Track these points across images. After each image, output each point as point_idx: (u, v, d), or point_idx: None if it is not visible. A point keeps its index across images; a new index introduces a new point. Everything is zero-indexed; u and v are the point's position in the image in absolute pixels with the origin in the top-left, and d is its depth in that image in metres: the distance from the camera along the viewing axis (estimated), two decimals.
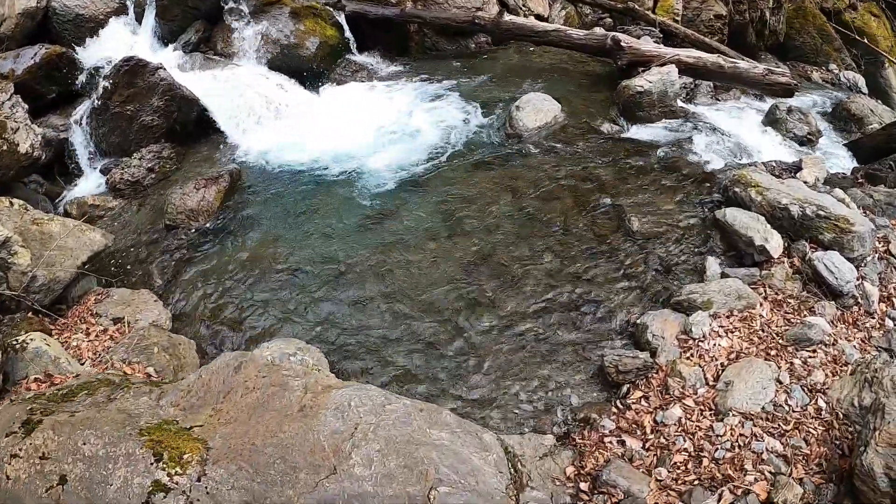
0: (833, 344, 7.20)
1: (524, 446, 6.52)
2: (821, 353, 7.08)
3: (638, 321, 7.45)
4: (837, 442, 6.18)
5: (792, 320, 7.41)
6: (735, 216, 8.06)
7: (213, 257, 8.78)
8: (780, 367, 6.90)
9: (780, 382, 6.76)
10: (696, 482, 6.08)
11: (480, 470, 5.79)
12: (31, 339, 6.84)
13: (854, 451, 5.83)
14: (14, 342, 6.81)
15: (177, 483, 4.70)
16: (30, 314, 7.80)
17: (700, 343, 7.16)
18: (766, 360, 6.98)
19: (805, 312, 7.50)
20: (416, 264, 8.25)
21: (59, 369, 6.76)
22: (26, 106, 10.37)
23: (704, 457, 6.27)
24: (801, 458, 6.14)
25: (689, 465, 6.21)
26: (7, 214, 8.19)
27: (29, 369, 6.63)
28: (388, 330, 7.65)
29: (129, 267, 9.04)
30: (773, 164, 9.55)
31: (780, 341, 7.16)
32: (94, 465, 4.69)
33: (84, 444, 4.80)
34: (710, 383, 6.84)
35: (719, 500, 5.92)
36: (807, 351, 7.09)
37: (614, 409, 6.85)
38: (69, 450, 4.78)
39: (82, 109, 11.38)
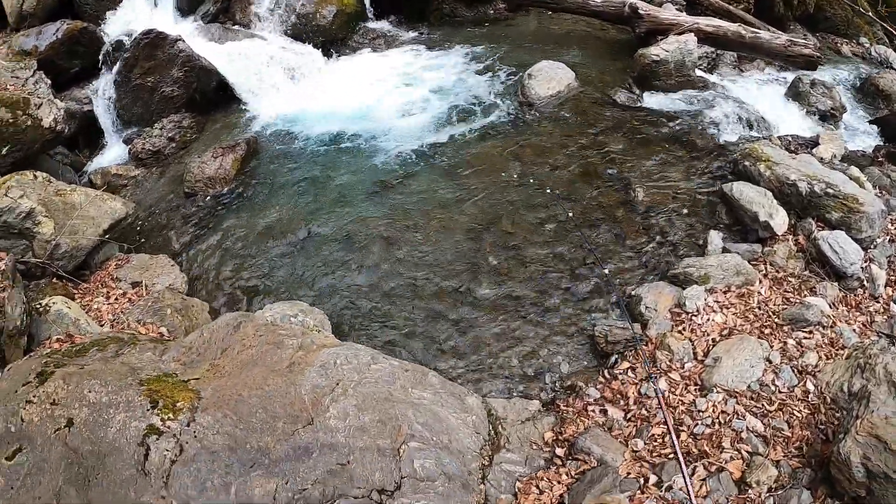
0: (831, 326, 6.78)
1: (508, 410, 6.31)
2: (817, 335, 6.68)
3: (633, 293, 7.11)
4: (822, 427, 5.82)
5: (791, 299, 6.99)
6: (742, 190, 7.62)
7: (228, 223, 8.67)
8: (772, 347, 6.51)
9: (770, 362, 6.38)
10: (671, 455, 5.75)
11: (456, 430, 5.65)
12: (54, 303, 7.07)
13: (835, 439, 5.47)
14: (38, 305, 7.05)
15: (169, 427, 4.92)
16: (54, 280, 7.99)
17: (693, 317, 6.79)
18: (759, 338, 6.60)
19: (805, 292, 7.07)
20: (422, 229, 8.01)
21: (80, 330, 6.94)
22: (49, 81, 10.40)
23: (683, 431, 5.93)
24: (781, 440, 5.80)
25: (667, 439, 5.88)
26: (31, 187, 8.31)
27: (52, 330, 6.86)
28: (391, 293, 7.48)
29: (149, 233, 9.01)
30: (790, 139, 9.02)
31: (776, 320, 6.76)
32: (98, 411, 4.95)
33: (90, 392, 5.06)
34: (699, 358, 6.50)
35: (692, 475, 5.59)
36: (802, 332, 6.68)
37: (601, 379, 6.56)
38: (76, 397, 5.05)
39: (104, 82, 11.20)
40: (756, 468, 5.52)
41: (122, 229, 8.84)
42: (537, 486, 5.69)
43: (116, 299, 7.82)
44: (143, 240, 8.87)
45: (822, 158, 8.63)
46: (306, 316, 6.97)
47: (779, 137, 9.02)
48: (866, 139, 10.54)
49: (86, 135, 10.99)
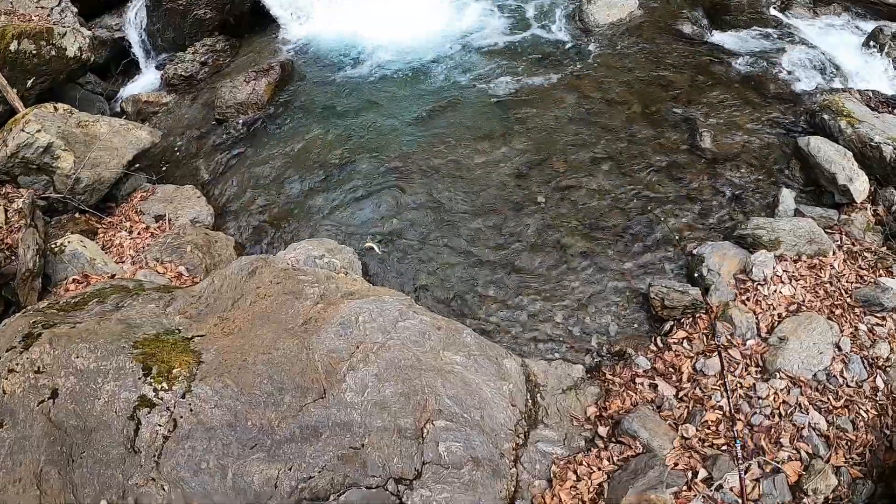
0: None
1: (549, 375, 5.37)
2: (890, 323, 5.59)
3: (695, 251, 5.98)
4: (888, 432, 4.81)
5: (865, 278, 5.86)
6: (819, 147, 6.38)
7: (260, 151, 7.68)
8: (842, 331, 5.45)
9: (840, 349, 5.32)
10: (724, 448, 4.79)
11: (490, 403, 4.71)
12: (69, 242, 6.30)
13: None
14: (53, 246, 6.26)
15: (161, 399, 4.11)
16: (77, 215, 7.23)
17: (759, 287, 5.70)
18: (828, 318, 5.52)
19: (881, 272, 5.93)
20: (465, 165, 6.92)
21: (95, 270, 6.16)
22: (76, 9, 9.29)
23: (740, 419, 4.93)
24: (844, 442, 4.86)
25: (721, 427, 4.93)
26: (51, 120, 7.38)
27: (67, 271, 6.12)
28: (429, 233, 6.49)
29: (178, 162, 8.09)
30: (870, 95, 7.65)
31: (848, 300, 5.66)
32: (85, 379, 4.14)
33: (77, 357, 4.23)
34: (762, 335, 5.46)
35: (745, 473, 4.63)
36: (875, 317, 5.60)
37: (653, 347, 5.54)
38: (63, 364, 4.23)
39: (136, 8, 10.05)
40: (815, 474, 4.62)
41: (151, 159, 8.00)
42: (575, 472, 4.79)
43: (139, 234, 7.00)
44: (172, 169, 7.98)
45: None
46: (333, 256, 6.00)
47: (858, 91, 7.62)
48: None
49: (118, 63, 9.97)
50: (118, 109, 9.26)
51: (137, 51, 9.95)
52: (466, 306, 5.91)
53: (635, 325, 5.76)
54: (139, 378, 4.14)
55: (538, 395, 5.19)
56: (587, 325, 5.79)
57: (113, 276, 5.90)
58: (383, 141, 7.29)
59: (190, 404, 4.07)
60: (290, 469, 3.96)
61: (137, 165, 7.66)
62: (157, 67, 9.74)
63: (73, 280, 5.97)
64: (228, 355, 4.37)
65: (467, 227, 6.33)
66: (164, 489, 3.79)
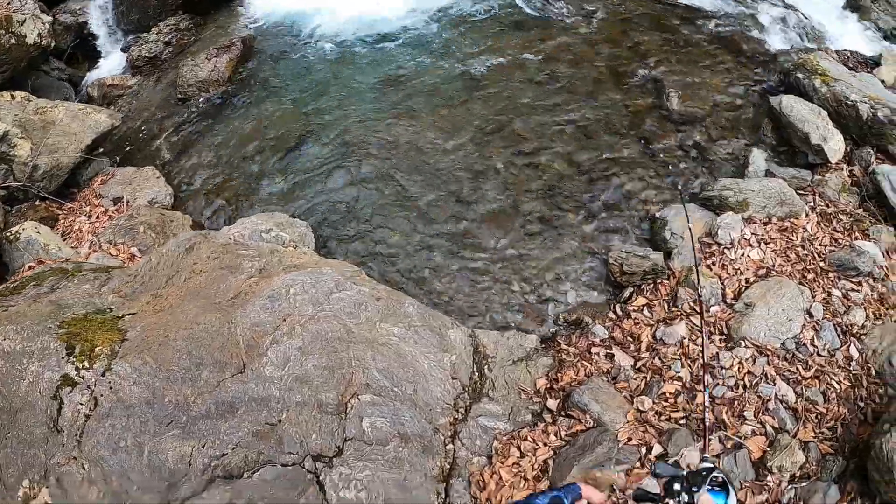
0: (883, 279, 5.15)
1: (499, 346, 4.90)
2: (866, 288, 5.08)
3: (658, 214, 5.45)
4: (861, 404, 4.33)
5: (840, 241, 5.35)
6: (792, 106, 5.85)
7: (221, 129, 7.23)
8: (814, 297, 4.94)
9: (811, 316, 4.82)
10: (682, 421, 4.31)
11: (426, 376, 4.32)
12: (24, 230, 6.07)
13: (878, 424, 3.99)
14: (8, 234, 6.04)
15: (83, 377, 3.86)
16: (37, 202, 6.93)
17: (726, 250, 5.19)
18: (799, 284, 5.01)
19: (857, 234, 5.42)
20: (424, 135, 6.44)
21: (50, 255, 5.90)
22: None
23: (700, 391, 4.43)
24: (813, 416, 4.38)
25: (680, 399, 4.44)
26: (7, 108, 7.16)
27: (24, 258, 5.91)
28: (385, 204, 6.02)
29: (141, 144, 7.65)
30: (848, 54, 7.12)
31: (821, 264, 5.16)
32: (11, 361, 3.91)
33: (4, 339, 3.99)
34: (728, 301, 4.96)
35: (704, 450, 4.13)
36: (850, 281, 5.09)
37: (611, 315, 5.06)
38: None
39: None
40: (781, 450, 4.15)
41: (114, 142, 7.62)
42: (519, 448, 4.33)
43: (97, 218, 6.66)
44: (134, 151, 7.56)
45: (883, 81, 6.76)
46: (283, 230, 5.57)
47: (836, 51, 7.06)
48: None
49: (83, 47, 9.48)
50: (84, 94, 8.86)
51: (102, 34, 9.53)
52: (421, 276, 5.46)
53: (595, 293, 5.27)
54: (62, 357, 3.90)
55: (486, 367, 4.73)
56: (544, 293, 5.30)
57: (67, 261, 5.59)
58: (343, 113, 6.83)
59: (110, 382, 3.82)
60: (203, 446, 3.65)
61: (101, 150, 7.35)
62: (123, 50, 9.28)
63: (29, 267, 5.70)
64: (152, 332, 4.10)
65: (425, 197, 5.87)
66: (84, 468, 3.56)
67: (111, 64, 9.29)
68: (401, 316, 4.55)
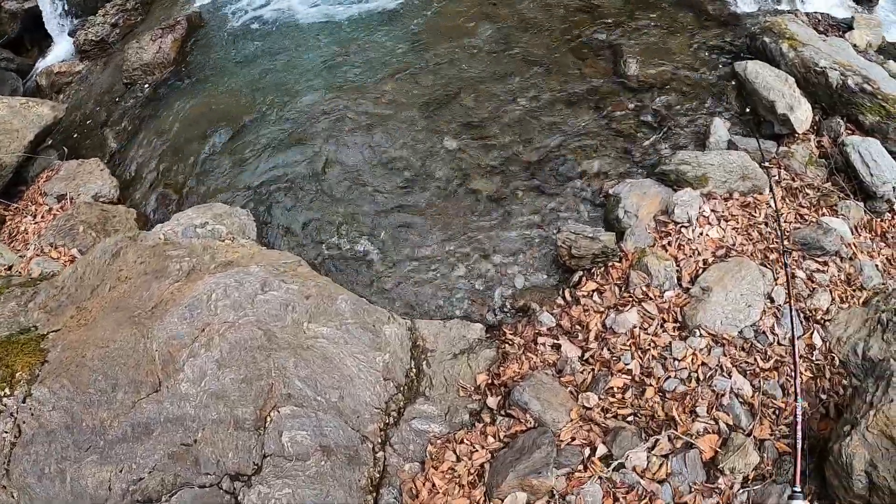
0: (851, 259, 4.69)
1: (440, 339, 4.46)
2: (832, 269, 4.59)
3: (611, 191, 4.90)
4: (824, 397, 3.83)
5: (806, 217, 4.85)
6: (758, 72, 5.28)
7: (167, 113, 6.59)
8: (776, 279, 4.44)
9: (772, 301, 4.34)
10: (630, 418, 3.84)
11: (354, 380, 3.94)
12: None
13: (839, 422, 3.53)
14: None
15: (5, 405, 3.67)
16: None
17: (683, 230, 4.68)
18: (761, 265, 4.51)
19: (824, 210, 4.91)
20: (369, 110, 5.87)
21: None
22: None
23: (650, 385, 3.97)
24: (771, 411, 3.93)
25: (628, 394, 4.01)
26: None
27: None
28: (329, 186, 5.46)
29: (89, 134, 7.03)
30: (818, 17, 6.52)
31: (785, 243, 4.66)
32: None
33: None
34: (684, 285, 4.46)
35: (651, 450, 3.68)
36: (816, 262, 4.60)
37: (560, 302, 4.56)
38: None
39: None
40: (734, 450, 3.73)
41: (62, 133, 7.06)
42: (454, 452, 3.88)
43: (42, 217, 6.12)
44: (82, 141, 6.97)
45: (855, 45, 6.18)
46: (220, 222, 5.05)
47: (806, 14, 6.45)
48: None
49: (32, 34, 8.84)
50: (34, 84, 8.27)
51: (50, 19, 8.82)
52: (365, 262, 4.98)
53: (545, 276, 4.77)
54: None
55: (424, 362, 4.26)
56: (492, 277, 4.80)
57: (10, 268, 5.20)
58: (289, 89, 6.24)
59: (31, 408, 3.63)
60: (121, 471, 3.46)
61: (49, 142, 6.82)
62: (70, 35, 8.62)
63: None
64: (70, 352, 3.88)
65: (371, 177, 5.36)
66: (14, 496, 3.42)
67: (60, 50, 8.68)
68: (332, 314, 4.13)
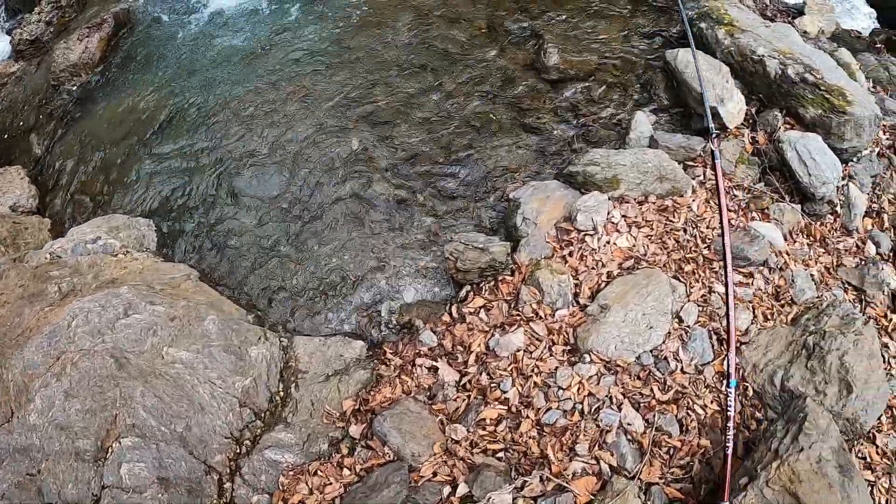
0: (781, 269, 3.97)
1: (316, 358, 4.00)
2: (759, 281, 3.92)
3: (512, 195, 4.24)
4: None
5: (732, 222, 4.10)
6: (688, 61, 4.58)
7: (91, 117, 5.99)
8: (689, 294, 3.78)
9: (680, 321, 3.68)
10: (500, 454, 3.22)
11: (205, 408, 3.54)
12: None
13: (736, 472, 2.88)
14: None
15: None
16: None
17: (587, 238, 4.03)
18: (674, 277, 3.81)
19: (754, 214, 4.23)
20: (283, 108, 5.20)
21: None
22: None
23: (527, 417, 3.34)
24: (664, 450, 3.21)
25: (502, 427, 3.38)
26: None
27: None
28: (237, 189, 4.85)
29: (16, 139, 6.44)
30: (766, 2, 5.75)
31: (705, 252, 3.99)
32: None
33: None
34: (581, 302, 3.82)
35: (518, 492, 3.07)
36: (740, 274, 3.91)
37: (445, 318, 3.96)
38: None
39: None
40: (612, 496, 3.01)
41: None
42: (307, 484, 3.28)
43: None
44: (10, 147, 6.35)
45: (805, 32, 5.46)
46: (115, 235, 4.57)
47: None
48: (863, 20, 7.02)
49: None
50: None
51: None
52: (262, 272, 4.38)
53: (437, 289, 4.17)
54: None
55: (294, 385, 3.74)
56: (382, 289, 4.21)
57: None
58: (210, 88, 5.60)
59: None
60: None
61: None
62: (8, 33, 7.98)
63: None
64: None
65: (277, 181, 4.78)
66: None
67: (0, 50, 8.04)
68: (196, 336, 3.75)
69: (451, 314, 3.96)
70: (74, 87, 6.45)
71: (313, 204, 4.63)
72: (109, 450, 3.29)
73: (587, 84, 4.84)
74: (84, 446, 3.28)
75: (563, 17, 5.30)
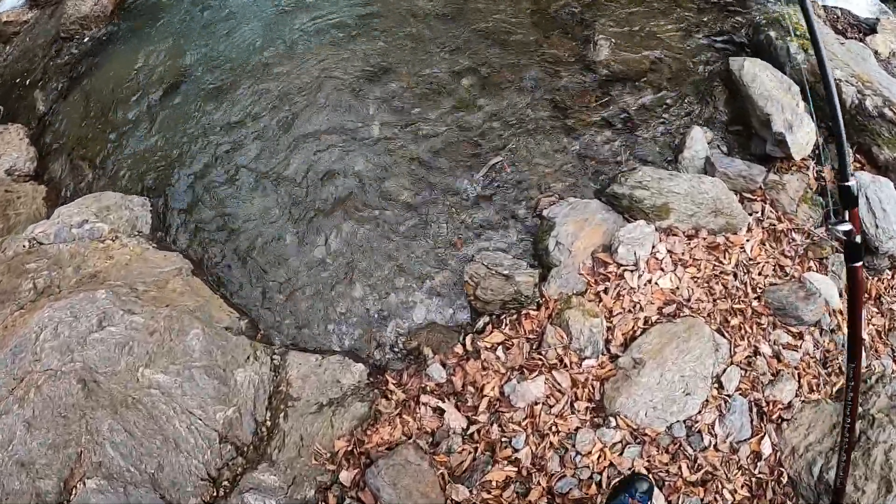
0: (833, 332, 3.42)
1: (310, 383, 3.49)
2: (807, 344, 3.40)
3: (545, 212, 3.64)
4: None
5: (787, 270, 3.59)
6: (755, 75, 3.92)
7: (100, 73, 5.26)
8: (732, 354, 3.22)
9: (720, 386, 3.16)
10: None
11: (179, 444, 3.04)
12: None
13: None
14: None
15: None
16: None
17: (626, 274, 3.48)
18: (718, 330, 3.26)
19: (811, 262, 3.63)
20: (297, 81, 4.48)
21: None
22: None
23: (538, 484, 2.87)
24: None
25: (508, 493, 2.90)
26: None
27: None
28: (245, 167, 4.21)
29: (24, 93, 5.65)
30: (838, 14, 5.03)
31: (755, 304, 3.45)
32: None
33: None
34: (612, 350, 3.31)
35: None
36: (788, 333, 3.43)
37: (458, 350, 3.46)
38: None
39: None
40: None
41: (2, 88, 5.73)
42: None
43: None
44: (17, 102, 5.57)
45: (876, 52, 4.67)
46: (105, 217, 3.97)
47: (823, 7, 4.93)
48: None
49: None
50: None
51: None
52: (253, 268, 3.90)
53: (451, 311, 3.64)
54: None
55: (283, 414, 3.28)
56: (390, 304, 3.69)
57: None
58: (225, 50, 4.89)
59: None
60: None
61: None
62: None
63: None
64: None
65: (286, 161, 4.17)
66: None
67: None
68: (177, 354, 3.25)
69: (464, 346, 3.45)
70: (86, 41, 5.74)
71: (324, 193, 4.04)
72: (74, 491, 2.79)
73: (638, 85, 4.18)
74: (45, 487, 2.78)
75: (617, 6, 4.54)
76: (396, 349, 3.57)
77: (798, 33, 4.14)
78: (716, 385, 3.22)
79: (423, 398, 3.33)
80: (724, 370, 3.26)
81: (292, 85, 4.47)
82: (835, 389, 3.36)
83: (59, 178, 4.80)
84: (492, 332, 3.44)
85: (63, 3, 6.11)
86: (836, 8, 5.00)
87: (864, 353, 3.48)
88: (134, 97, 4.93)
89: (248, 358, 3.34)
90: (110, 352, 3.10)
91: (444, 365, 3.41)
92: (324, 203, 3.99)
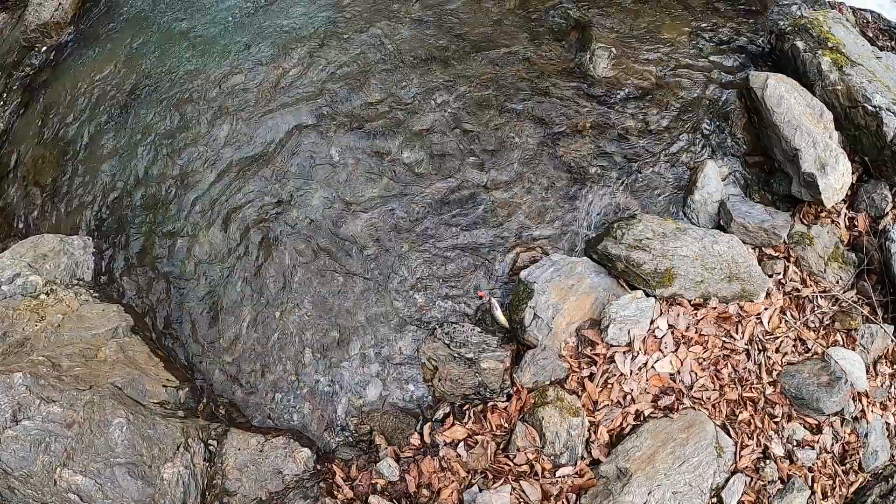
0: (856, 420, 2.76)
1: (246, 474, 3.03)
2: (825, 438, 2.83)
3: (523, 274, 2.96)
4: None
5: (809, 345, 2.90)
6: (782, 97, 3.16)
7: (56, 87, 4.69)
8: (738, 457, 2.61)
9: (720, 501, 2.49)
10: None
11: None
12: None
13: None
14: None
15: None
16: None
17: (616, 357, 2.83)
18: (723, 426, 2.63)
19: (837, 335, 2.94)
20: (260, 93, 3.86)
21: None
22: None
23: None
24: None
25: None
26: None
27: None
28: (192, 207, 3.64)
29: None
30: (868, 17, 4.18)
31: (769, 391, 2.80)
32: None
33: None
34: (594, 454, 2.73)
35: None
36: (804, 426, 2.82)
37: (414, 441, 2.86)
38: None
39: None
40: None
41: None
42: None
43: None
44: None
45: None
46: (37, 270, 3.50)
47: (853, 10, 4.03)
48: None
49: None
50: None
51: None
52: (199, 321, 3.42)
53: (410, 388, 3.08)
54: None
55: None
56: (341, 376, 3.14)
57: None
58: (184, 60, 4.30)
59: None
60: None
61: None
62: None
63: None
64: None
65: (243, 189, 3.56)
66: None
67: None
68: (98, 450, 2.80)
69: (421, 436, 2.89)
70: (46, 49, 5.14)
71: (278, 232, 3.38)
72: None
73: (642, 105, 3.43)
74: None
75: (619, 9, 3.66)
76: (347, 431, 3.04)
77: (830, 45, 3.30)
78: (714, 500, 2.64)
79: (373, 499, 2.77)
80: (727, 480, 2.68)
81: (253, 102, 3.78)
82: (851, 490, 2.79)
83: (10, 204, 4.29)
84: (452, 425, 2.85)
85: (26, 9, 5.47)
86: (865, 11, 4.14)
87: (883, 452, 2.89)
88: (89, 113, 4.39)
89: (179, 448, 2.83)
90: (25, 450, 2.70)
91: (397, 459, 2.85)
92: (279, 241, 3.34)
